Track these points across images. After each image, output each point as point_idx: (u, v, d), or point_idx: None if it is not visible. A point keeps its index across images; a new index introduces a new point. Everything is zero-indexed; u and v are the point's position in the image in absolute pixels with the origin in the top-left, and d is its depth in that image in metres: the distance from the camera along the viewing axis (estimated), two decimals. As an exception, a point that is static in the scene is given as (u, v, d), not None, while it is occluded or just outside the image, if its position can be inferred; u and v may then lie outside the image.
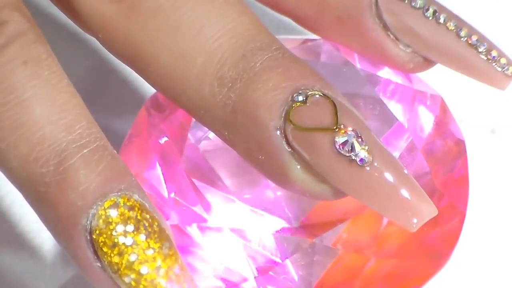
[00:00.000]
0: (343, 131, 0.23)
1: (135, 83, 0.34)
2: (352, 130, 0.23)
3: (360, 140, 0.23)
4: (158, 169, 0.28)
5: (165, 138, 0.28)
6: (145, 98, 0.32)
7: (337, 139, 0.23)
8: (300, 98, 0.24)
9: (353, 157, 0.23)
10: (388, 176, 0.23)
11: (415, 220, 0.23)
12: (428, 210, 0.23)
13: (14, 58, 0.24)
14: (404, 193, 0.23)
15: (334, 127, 0.23)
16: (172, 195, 0.27)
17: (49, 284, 0.31)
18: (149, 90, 0.26)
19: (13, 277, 0.31)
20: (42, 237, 0.31)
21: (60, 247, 0.29)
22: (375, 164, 0.23)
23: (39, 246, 0.31)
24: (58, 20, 0.34)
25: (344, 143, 0.23)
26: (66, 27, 0.34)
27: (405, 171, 0.23)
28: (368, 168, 0.23)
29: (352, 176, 0.23)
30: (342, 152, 0.23)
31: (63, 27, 0.34)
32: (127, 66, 0.26)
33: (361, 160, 0.23)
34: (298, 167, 0.24)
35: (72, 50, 0.34)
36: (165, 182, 0.27)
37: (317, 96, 0.24)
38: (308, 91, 0.24)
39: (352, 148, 0.23)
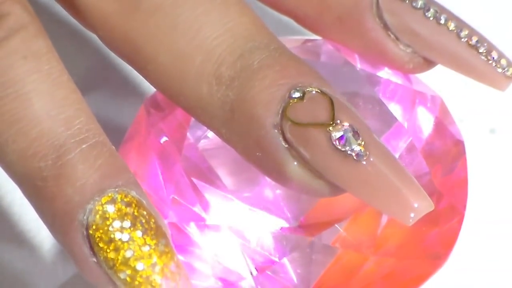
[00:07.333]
0: (339, 126, 0.23)
1: (134, 82, 0.34)
2: (348, 125, 0.23)
3: (356, 135, 0.23)
4: (157, 168, 0.28)
5: (164, 138, 0.28)
6: (145, 97, 0.32)
7: (333, 134, 0.23)
8: (297, 94, 0.24)
9: (349, 152, 0.23)
10: (384, 170, 0.23)
11: (412, 215, 0.23)
12: (425, 204, 0.23)
13: (14, 52, 0.24)
14: (401, 187, 0.23)
15: (331, 123, 0.23)
16: (171, 194, 0.27)
17: (49, 284, 0.31)
18: (149, 89, 0.27)
19: (13, 276, 0.31)
20: (42, 236, 0.31)
21: (59, 246, 0.30)
22: (371, 159, 0.23)
23: (38, 245, 0.31)
24: (58, 19, 0.34)
25: (340, 138, 0.23)
26: (66, 25, 0.34)
27: (402, 166, 0.23)
28: (364, 163, 0.23)
29: (348, 171, 0.23)
30: (338, 147, 0.23)
31: (63, 26, 0.34)
32: (127, 65, 0.26)
33: (357, 155, 0.23)
34: (295, 163, 0.24)
35: (72, 49, 0.34)
36: (163, 181, 0.27)
37: (314, 92, 0.24)
38: (305, 88, 0.24)
39: (348, 143, 0.23)
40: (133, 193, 0.24)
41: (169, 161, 0.27)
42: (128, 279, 0.23)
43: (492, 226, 0.31)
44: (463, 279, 0.30)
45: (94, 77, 0.34)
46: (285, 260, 0.27)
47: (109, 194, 0.24)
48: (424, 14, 0.27)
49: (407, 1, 0.27)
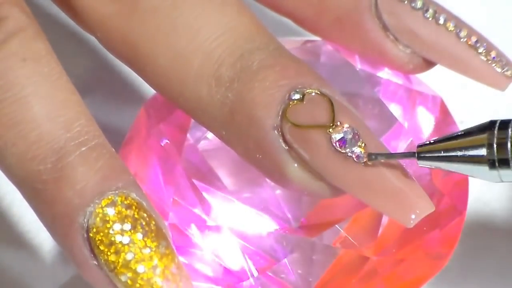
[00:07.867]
0: (339, 128, 0.23)
1: (134, 84, 0.34)
2: (348, 127, 0.23)
3: (356, 136, 0.23)
4: (157, 169, 0.28)
5: (165, 139, 0.28)
6: (145, 99, 0.32)
7: (333, 136, 0.23)
8: (297, 96, 0.24)
9: (349, 154, 0.23)
10: (385, 172, 0.23)
11: (413, 216, 0.23)
12: (425, 206, 0.23)
13: (13, 55, 0.24)
14: (401, 189, 0.23)
15: (331, 124, 0.23)
16: (171, 195, 0.27)
17: (49, 284, 0.31)
18: (149, 90, 0.26)
19: (13, 277, 0.31)
20: (42, 237, 0.31)
21: (59, 247, 0.29)
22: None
23: (38, 246, 0.31)
24: (58, 20, 0.34)
25: (341, 140, 0.23)
26: (66, 27, 0.34)
27: (402, 167, 0.23)
28: (364, 165, 0.23)
29: (348, 173, 0.23)
30: (339, 148, 0.23)
31: (63, 27, 0.34)
32: (126, 66, 0.26)
33: (357, 156, 0.23)
34: (295, 165, 0.24)
35: (72, 50, 0.34)
36: (164, 183, 0.27)
37: (314, 94, 0.24)
38: (305, 89, 0.24)
39: (348, 145, 0.23)
40: (133, 195, 0.24)
41: (169, 162, 0.27)
42: (129, 281, 0.23)
43: (492, 227, 0.31)
44: (464, 279, 0.31)
45: (93, 79, 0.34)
46: (285, 261, 0.27)
47: (109, 197, 0.24)
48: (423, 14, 0.27)
49: (406, 2, 0.27)
